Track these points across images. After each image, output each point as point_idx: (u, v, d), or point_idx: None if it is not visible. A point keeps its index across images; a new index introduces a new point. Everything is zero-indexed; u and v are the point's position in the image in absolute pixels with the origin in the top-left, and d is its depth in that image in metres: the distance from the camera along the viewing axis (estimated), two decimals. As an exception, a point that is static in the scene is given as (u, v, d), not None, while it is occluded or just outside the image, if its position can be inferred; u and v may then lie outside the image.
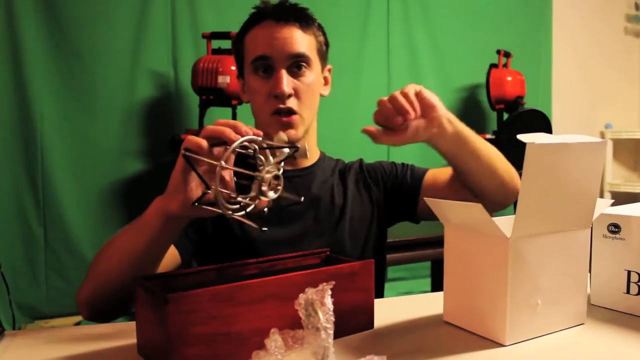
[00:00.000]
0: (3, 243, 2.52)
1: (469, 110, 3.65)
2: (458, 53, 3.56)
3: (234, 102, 2.64)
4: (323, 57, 1.08)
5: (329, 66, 1.12)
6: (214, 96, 2.58)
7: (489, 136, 3.39)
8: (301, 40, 1.01)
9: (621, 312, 0.80)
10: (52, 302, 2.60)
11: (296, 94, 1.00)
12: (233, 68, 2.56)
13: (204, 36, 2.67)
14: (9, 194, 2.55)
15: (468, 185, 1.00)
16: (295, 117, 0.99)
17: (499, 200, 1.01)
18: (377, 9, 3.30)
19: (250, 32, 1.03)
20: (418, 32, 3.46)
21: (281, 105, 0.98)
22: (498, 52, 3.41)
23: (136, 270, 0.76)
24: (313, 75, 1.03)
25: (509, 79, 3.36)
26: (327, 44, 1.09)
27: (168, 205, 0.73)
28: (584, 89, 4.16)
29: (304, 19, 1.03)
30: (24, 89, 2.55)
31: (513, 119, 2.53)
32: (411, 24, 3.44)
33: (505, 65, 3.47)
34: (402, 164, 1.16)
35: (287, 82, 0.98)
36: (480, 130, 3.59)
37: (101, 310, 0.85)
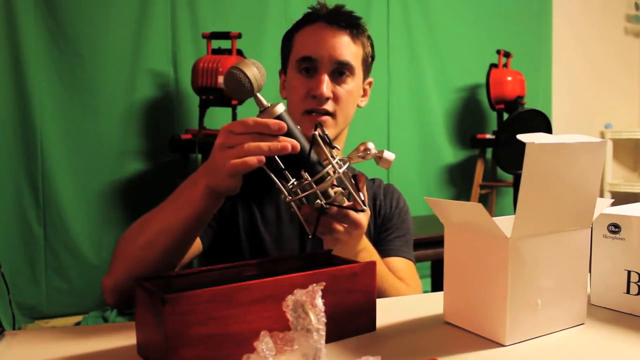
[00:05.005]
0: (3, 243, 2.52)
1: (469, 110, 3.64)
2: (458, 53, 3.56)
3: (234, 102, 2.63)
4: (367, 68, 1.09)
5: (370, 79, 1.12)
6: (214, 96, 2.58)
7: (489, 136, 3.39)
8: (349, 48, 1.01)
9: (621, 312, 0.79)
10: (52, 302, 2.61)
11: (334, 98, 1.01)
12: (233, 68, 2.56)
13: (204, 36, 2.66)
14: (9, 194, 2.55)
15: None
16: (327, 118, 1.00)
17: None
18: (377, 9, 3.30)
19: (301, 31, 1.04)
20: (418, 32, 3.45)
21: (318, 107, 0.99)
22: (498, 52, 3.41)
23: (172, 251, 0.77)
24: (354, 84, 1.04)
25: (509, 79, 3.36)
26: (373, 56, 1.10)
27: (218, 181, 0.72)
28: (583, 88, 4.16)
29: (355, 28, 1.03)
30: (24, 89, 2.55)
31: (513, 119, 2.52)
32: (411, 24, 3.44)
33: (505, 65, 3.47)
34: (405, 220, 1.15)
35: (327, 86, 0.99)
36: (480, 130, 3.59)
37: (131, 296, 0.75)
